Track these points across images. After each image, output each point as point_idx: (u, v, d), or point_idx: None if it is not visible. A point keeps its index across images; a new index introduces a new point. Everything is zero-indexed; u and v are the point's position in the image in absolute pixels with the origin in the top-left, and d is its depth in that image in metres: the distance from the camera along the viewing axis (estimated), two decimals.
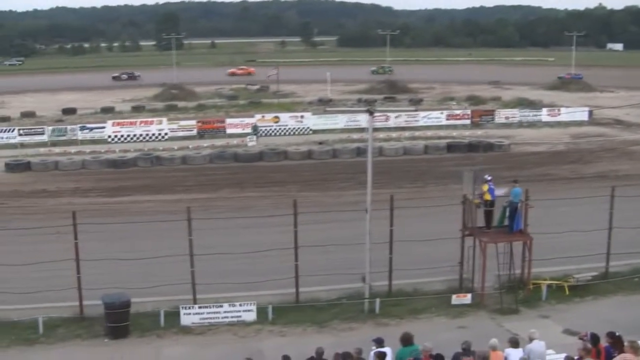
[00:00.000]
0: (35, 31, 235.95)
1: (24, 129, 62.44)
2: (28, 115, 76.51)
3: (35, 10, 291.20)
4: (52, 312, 23.49)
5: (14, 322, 23.28)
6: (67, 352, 21.17)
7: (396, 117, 63.78)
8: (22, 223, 32.29)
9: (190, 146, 57.04)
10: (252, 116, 64.46)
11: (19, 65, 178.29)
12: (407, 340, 16.01)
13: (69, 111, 78.25)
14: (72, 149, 56.59)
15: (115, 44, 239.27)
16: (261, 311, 23.65)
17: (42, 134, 61.18)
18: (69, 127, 62.84)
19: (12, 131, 61.52)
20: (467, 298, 24.50)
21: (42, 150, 56.83)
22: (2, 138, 60.45)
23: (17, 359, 20.45)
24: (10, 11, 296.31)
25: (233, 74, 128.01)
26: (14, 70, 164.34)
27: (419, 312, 23.86)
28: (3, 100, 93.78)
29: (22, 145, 58.81)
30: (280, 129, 62.80)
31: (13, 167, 50.57)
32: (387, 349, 15.71)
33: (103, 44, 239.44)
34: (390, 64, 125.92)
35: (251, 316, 23.59)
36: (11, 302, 24.11)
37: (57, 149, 56.97)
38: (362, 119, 57.56)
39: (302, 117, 64.86)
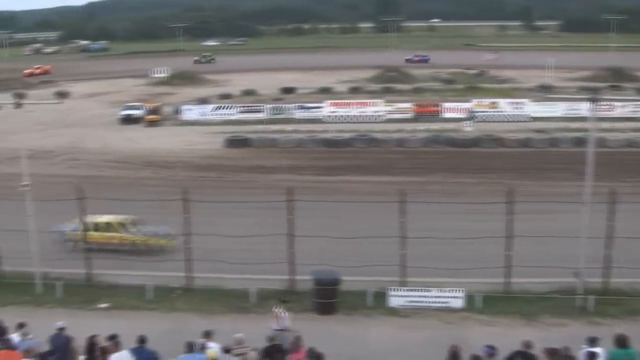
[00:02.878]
0: (258, 13, 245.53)
1: (244, 106, 65.50)
2: (249, 93, 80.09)
3: None
4: (264, 285, 24.43)
5: (227, 290, 24.48)
6: None
7: (622, 107, 60.32)
8: (239, 197, 33.59)
9: (406, 129, 57.05)
10: (469, 101, 63.45)
11: (242, 45, 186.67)
12: (622, 342, 15.14)
13: (287, 90, 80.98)
14: (289, 127, 58.44)
15: (334, 26, 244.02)
16: (469, 299, 23.29)
17: (261, 111, 63.81)
18: (287, 105, 65.01)
19: (233, 108, 64.71)
20: None
21: (260, 127, 59.11)
22: (224, 114, 63.72)
23: (231, 324, 21.32)
24: None
25: None
26: (238, 49, 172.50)
27: (638, 313, 22.47)
28: (226, 78, 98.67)
29: (242, 122, 61.53)
30: (497, 114, 61.39)
31: (233, 142, 52.98)
32: (599, 350, 14.92)
33: (322, 26, 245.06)
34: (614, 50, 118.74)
35: (459, 303, 23.29)
36: (225, 272, 25.29)
37: (274, 127, 59.04)
38: (583, 108, 54.90)
39: (520, 103, 63.03)
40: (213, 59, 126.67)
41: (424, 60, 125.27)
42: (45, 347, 16.07)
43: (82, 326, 18.02)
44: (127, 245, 28.98)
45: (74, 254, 27.50)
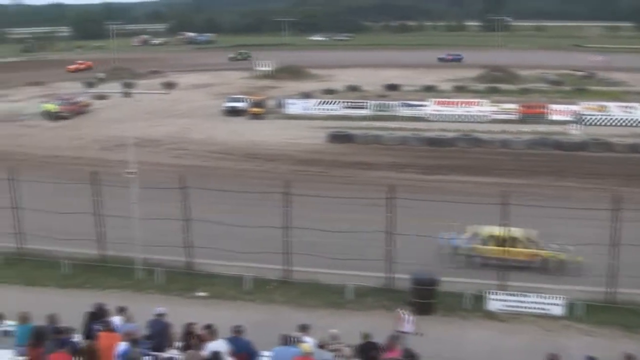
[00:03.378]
0: (364, 8, 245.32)
1: (348, 102, 65.47)
2: (353, 89, 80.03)
3: None
4: (360, 281, 24.28)
5: (324, 285, 24.41)
6: (372, 319, 21.55)
7: None
8: (340, 192, 33.50)
9: (511, 130, 55.86)
10: (577, 103, 61.60)
11: (348, 40, 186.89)
12: None
13: (392, 87, 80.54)
14: (392, 124, 58.05)
15: (440, 24, 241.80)
16: (570, 307, 22.49)
17: (365, 107, 63.66)
18: (390, 102, 64.64)
19: (337, 103, 64.82)
20: None
21: (363, 123, 58.95)
22: (327, 109, 63.88)
23: (326, 319, 21.24)
24: None
25: None
26: (343, 45, 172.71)
27: None
28: (331, 73, 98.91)
29: (345, 118, 61.50)
30: (606, 118, 59.41)
31: (335, 137, 52.95)
32: None
33: (427, 23, 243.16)
34: None
35: (559, 310, 22.54)
36: (323, 266, 25.20)
37: (377, 123, 58.76)
38: None
39: (631, 107, 60.79)
40: (249, 56, 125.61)
41: (457, 59, 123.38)
42: (144, 332, 16.29)
43: (180, 313, 18.26)
44: (537, 262, 26.82)
45: (467, 269, 26.71)
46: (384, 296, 23.72)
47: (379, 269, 24.54)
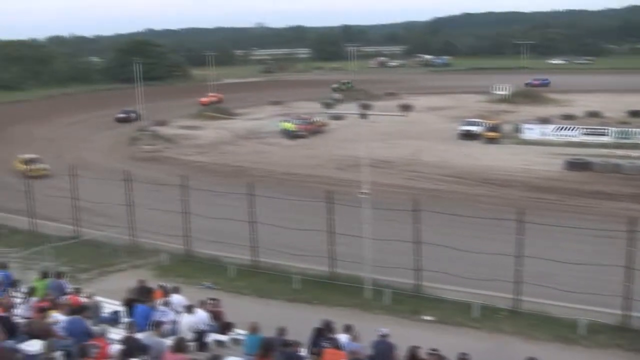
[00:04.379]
0: (607, 31, 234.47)
1: (587, 128, 63.02)
2: (593, 114, 76.74)
3: (608, 10, 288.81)
4: (593, 316, 23.15)
5: (555, 317, 23.53)
6: (605, 359, 20.54)
7: None
8: (576, 222, 32.20)
9: None
10: None
11: (588, 64, 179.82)
12: None
13: (635, 113, 76.19)
14: (635, 153, 55.00)
15: None
16: None
17: (605, 134, 60.95)
18: (634, 129, 61.35)
19: (575, 129, 62.58)
20: None
21: (603, 151, 56.34)
22: (565, 135, 61.83)
23: (555, 354, 20.52)
24: (583, 10, 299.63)
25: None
26: (583, 69, 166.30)
27: None
28: (570, 98, 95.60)
29: (584, 145, 59.16)
30: None
31: (573, 165, 50.97)
32: None
33: None
34: None
35: None
36: (553, 298, 24.30)
37: (619, 152, 55.95)
38: None
39: None
40: (352, 87, 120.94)
41: (544, 84, 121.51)
42: (368, 352, 16.53)
43: (405, 336, 18.35)
44: None
45: None
46: (619, 335, 22.39)
47: (614, 305, 23.27)
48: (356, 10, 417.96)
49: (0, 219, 37.64)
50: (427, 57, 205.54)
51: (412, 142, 63.97)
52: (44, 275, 21.04)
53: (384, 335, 16.93)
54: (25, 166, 48.06)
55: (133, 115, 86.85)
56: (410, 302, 25.30)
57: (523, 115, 77.64)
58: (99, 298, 19.98)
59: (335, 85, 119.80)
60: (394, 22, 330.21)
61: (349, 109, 78.52)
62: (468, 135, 65.00)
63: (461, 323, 23.51)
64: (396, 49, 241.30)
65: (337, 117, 75.84)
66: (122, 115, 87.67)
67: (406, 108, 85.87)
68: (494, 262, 25.93)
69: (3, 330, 14.65)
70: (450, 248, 26.76)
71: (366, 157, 27.49)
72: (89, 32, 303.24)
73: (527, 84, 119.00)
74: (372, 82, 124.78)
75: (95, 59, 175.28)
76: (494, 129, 65.28)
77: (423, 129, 71.71)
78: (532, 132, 64.19)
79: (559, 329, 22.85)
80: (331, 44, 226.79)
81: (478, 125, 66.52)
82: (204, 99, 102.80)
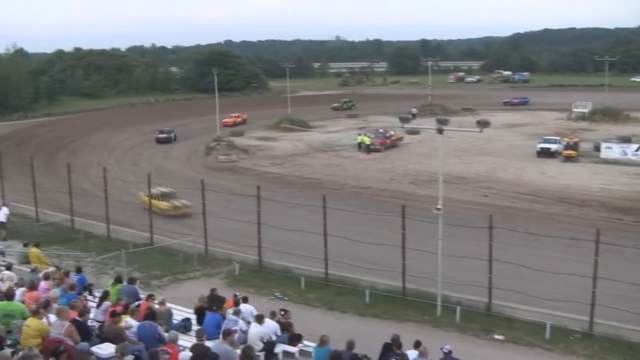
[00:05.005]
0: None
1: None
2: None
3: None
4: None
5: (629, 342, 22.90)
6: None
7: None
8: None
9: None
10: None
11: None
12: None
13: None
14: None
15: None
16: None
17: None
18: None
19: None
20: None
21: None
22: None
23: None
24: None
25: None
26: None
27: None
28: None
29: None
30: None
31: None
32: None
33: None
34: None
35: None
36: (629, 322, 23.63)
37: None
38: None
39: None
40: (353, 105, 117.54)
41: (523, 103, 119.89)
42: None
43: (476, 354, 18.17)
44: None
45: None
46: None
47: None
48: (435, 25, 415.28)
49: (77, 224, 38.58)
50: (506, 72, 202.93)
51: (488, 159, 63.35)
52: (118, 280, 21.50)
53: (448, 352, 16.77)
54: (165, 204, 42.76)
55: (172, 135, 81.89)
56: (481, 320, 24.99)
57: (603, 133, 76.03)
58: (170, 305, 20.33)
59: (336, 105, 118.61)
60: (473, 37, 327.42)
61: (425, 123, 78.27)
62: (546, 153, 64.00)
63: (532, 343, 23.09)
64: (474, 64, 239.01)
65: (413, 132, 75.53)
66: (162, 136, 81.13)
67: (484, 124, 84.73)
68: (568, 282, 25.50)
69: (77, 332, 15.03)
70: (523, 267, 26.39)
71: (441, 173, 27.34)
72: (169, 42, 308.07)
73: (505, 102, 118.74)
74: (450, 97, 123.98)
75: (174, 69, 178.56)
76: (572, 147, 64.08)
77: (500, 146, 70.92)
78: (612, 151, 62.83)
79: (634, 354, 22.30)
80: (409, 58, 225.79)
81: (556, 143, 65.41)
82: (227, 120, 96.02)
